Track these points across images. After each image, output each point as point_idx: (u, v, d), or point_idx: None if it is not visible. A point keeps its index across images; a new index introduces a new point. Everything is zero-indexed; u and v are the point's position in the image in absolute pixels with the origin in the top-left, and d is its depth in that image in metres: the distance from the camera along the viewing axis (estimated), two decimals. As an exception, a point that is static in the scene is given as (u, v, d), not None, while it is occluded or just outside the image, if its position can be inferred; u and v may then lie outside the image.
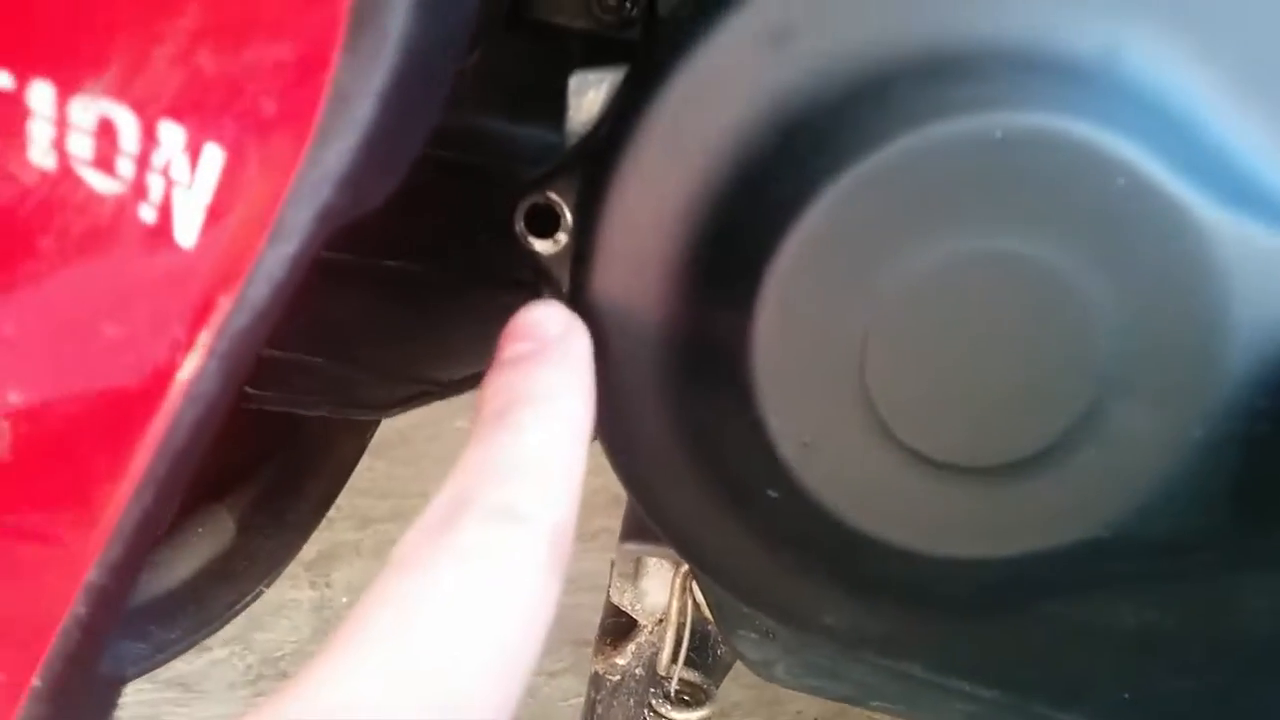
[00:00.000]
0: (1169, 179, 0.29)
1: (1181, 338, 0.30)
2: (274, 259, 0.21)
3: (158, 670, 1.12)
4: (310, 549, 1.23)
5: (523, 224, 0.37)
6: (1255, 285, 0.29)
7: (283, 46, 0.20)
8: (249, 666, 1.17)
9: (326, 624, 1.21)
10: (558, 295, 0.35)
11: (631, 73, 0.35)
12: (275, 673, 1.17)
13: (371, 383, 0.51)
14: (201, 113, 0.20)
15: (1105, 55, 0.29)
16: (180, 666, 1.15)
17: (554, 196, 0.36)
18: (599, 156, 0.33)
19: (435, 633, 0.24)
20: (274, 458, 0.67)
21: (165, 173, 0.20)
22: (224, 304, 0.21)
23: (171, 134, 0.20)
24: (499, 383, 0.29)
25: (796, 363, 0.31)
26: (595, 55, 0.40)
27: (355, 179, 0.21)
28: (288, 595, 1.22)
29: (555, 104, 0.40)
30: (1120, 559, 0.32)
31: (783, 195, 0.30)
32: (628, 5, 0.46)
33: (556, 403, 0.29)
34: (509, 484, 0.26)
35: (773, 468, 0.31)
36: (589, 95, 0.39)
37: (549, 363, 0.30)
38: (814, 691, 0.43)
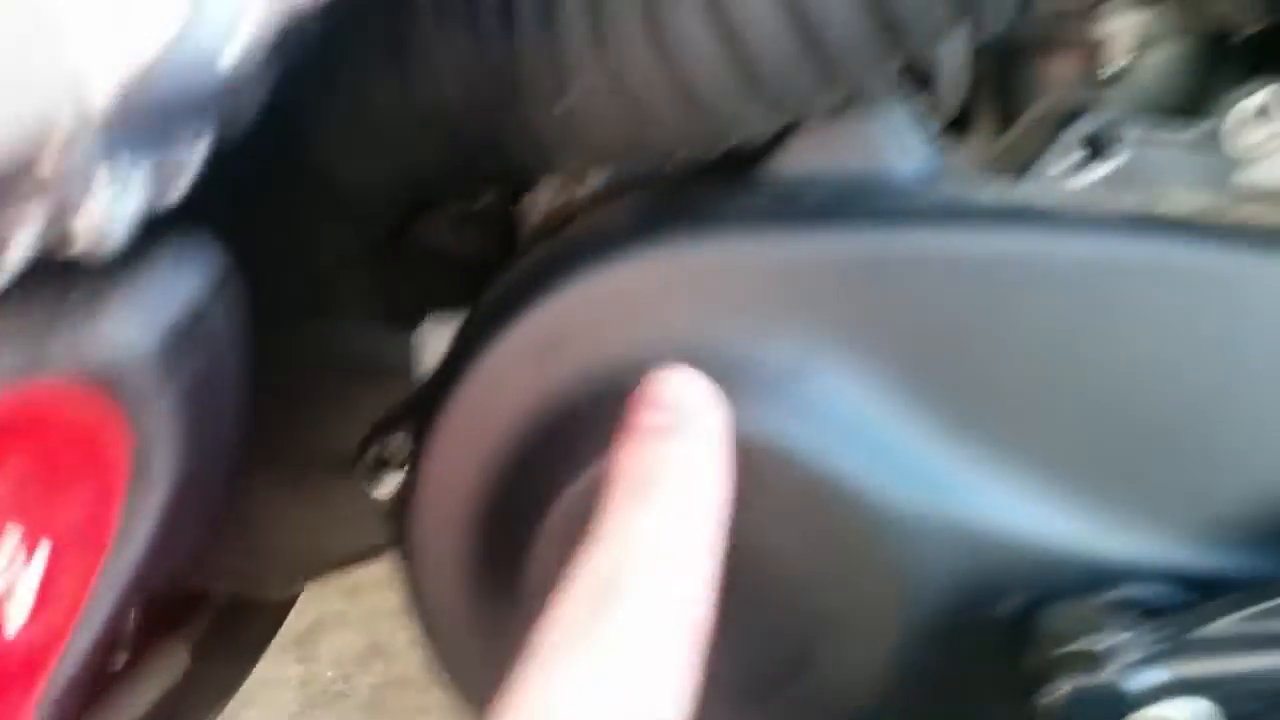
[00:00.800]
0: (847, 470, 0.36)
1: (866, 590, 0.37)
2: (83, 639, 0.28)
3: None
4: (298, 620, 1.28)
5: (364, 468, 0.44)
6: (920, 544, 0.36)
7: (86, 485, 0.27)
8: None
9: (313, 700, 1.26)
10: (394, 531, 0.42)
11: (452, 345, 0.42)
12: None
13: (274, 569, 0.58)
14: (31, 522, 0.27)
15: (796, 372, 0.36)
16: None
17: (391, 447, 0.43)
18: (425, 415, 0.40)
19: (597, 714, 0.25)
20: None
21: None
22: (40, 682, 0.28)
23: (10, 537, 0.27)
24: (638, 452, 0.30)
25: None
26: (471, 277, 0.47)
27: (143, 571, 0.29)
28: (274, 672, 1.27)
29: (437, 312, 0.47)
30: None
31: (552, 474, 0.37)
32: (471, 232, 0.54)
33: (698, 482, 0.30)
34: (658, 569, 0.27)
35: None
36: (431, 347, 0.47)
37: (690, 438, 0.31)
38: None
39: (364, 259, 0.53)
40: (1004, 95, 0.51)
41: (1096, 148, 0.38)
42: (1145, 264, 0.37)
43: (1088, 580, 0.38)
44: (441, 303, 0.50)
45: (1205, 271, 0.37)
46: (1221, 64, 0.50)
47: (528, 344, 0.37)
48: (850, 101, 0.36)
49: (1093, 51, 0.47)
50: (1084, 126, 0.38)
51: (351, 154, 0.44)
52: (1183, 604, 0.37)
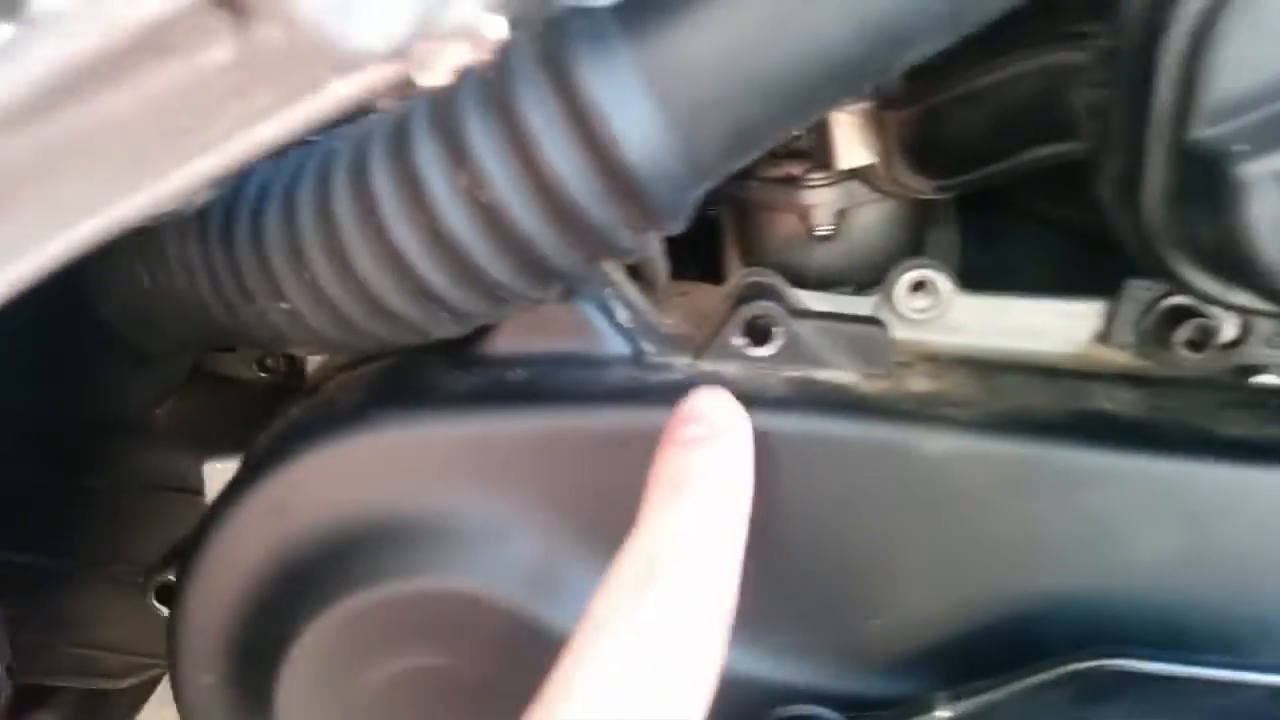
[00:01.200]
0: (539, 612, 0.42)
1: None
2: None
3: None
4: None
5: (152, 597, 0.50)
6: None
7: None
8: None
9: None
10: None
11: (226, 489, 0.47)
12: None
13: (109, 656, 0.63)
14: None
15: (494, 530, 0.42)
16: None
17: (174, 575, 0.49)
18: (186, 556, 0.45)
19: (637, 685, 0.30)
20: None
21: None
22: None
23: None
24: (676, 458, 0.35)
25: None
26: (272, 397, 0.53)
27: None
28: None
29: (241, 436, 0.52)
30: None
31: (291, 616, 0.43)
32: (281, 366, 0.59)
33: (728, 483, 0.35)
34: (691, 557, 0.33)
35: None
36: (215, 482, 0.52)
37: (721, 447, 0.36)
38: None
39: (172, 391, 0.58)
40: (743, 249, 0.57)
41: (757, 333, 0.45)
42: (795, 435, 0.43)
43: (756, 701, 0.44)
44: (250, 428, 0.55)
45: (849, 441, 0.43)
46: (930, 218, 0.56)
47: (262, 505, 0.43)
48: (557, 292, 0.42)
49: (806, 214, 0.53)
50: (745, 313, 0.45)
51: (133, 326, 0.50)
52: (830, 723, 0.43)
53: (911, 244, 0.56)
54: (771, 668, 0.44)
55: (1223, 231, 0.32)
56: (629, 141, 0.35)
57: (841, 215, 0.53)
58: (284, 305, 0.41)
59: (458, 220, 0.36)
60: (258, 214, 0.39)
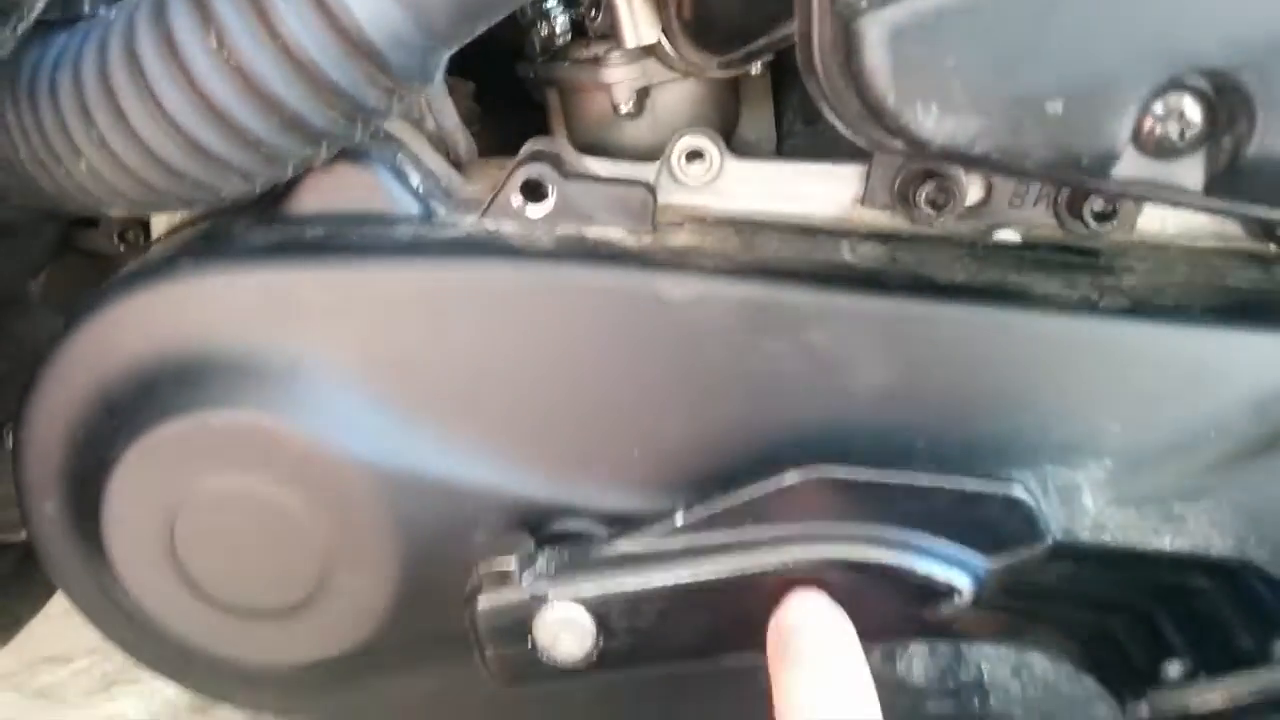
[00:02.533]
0: (316, 434, 0.47)
1: (364, 535, 0.48)
2: None
3: (25, 681, 1.30)
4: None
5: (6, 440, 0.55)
6: (401, 495, 0.48)
7: None
8: (104, 674, 1.35)
9: None
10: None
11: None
12: (129, 679, 1.35)
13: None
14: None
15: (288, 368, 0.47)
16: (45, 678, 1.33)
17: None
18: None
19: None
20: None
21: None
22: None
23: None
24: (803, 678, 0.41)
25: (131, 537, 0.49)
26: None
27: None
28: None
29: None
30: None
31: (110, 447, 0.49)
32: (140, 239, 0.64)
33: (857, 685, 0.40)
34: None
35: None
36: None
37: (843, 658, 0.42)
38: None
39: (43, 264, 0.64)
40: (568, 127, 0.62)
41: (533, 192, 0.50)
42: (558, 282, 0.48)
43: (536, 518, 0.49)
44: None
45: (604, 287, 0.48)
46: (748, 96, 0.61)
47: (84, 347, 0.48)
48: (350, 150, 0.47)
49: (610, 92, 0.58)
50: (521, 175, 0.49)
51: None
52: (591, 536, 0.49)
53: (723, 120, 0.60)
54: (551, 490, 0.50)
55: (853, 79, 0.36)
56: (359, 5, 0.39)
57: (645, 93, 0.58)
58: (83, 165, 0.45)
59: (213, 81, 0.40)
60: (55, 77, 0.44)
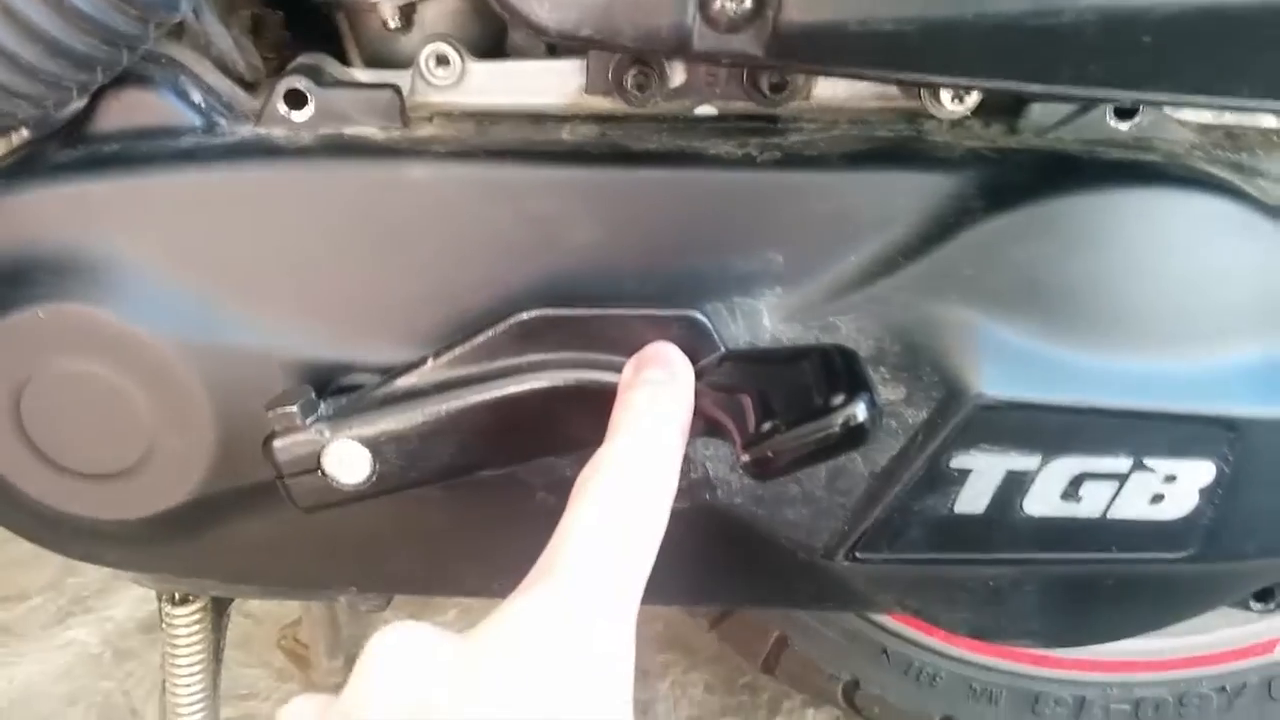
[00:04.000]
0: (124, 319, 0.57)
1: (183, 407, 0.58)
2: None
3: (-20, 617, 1.40)
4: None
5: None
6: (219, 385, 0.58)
7: None
8: (59, 608, 1.46)
9: None
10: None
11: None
12: (83, 610, 1.46)
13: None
14: None
15: (102, 265, 0.57)
16: (1, 615, 1.43)
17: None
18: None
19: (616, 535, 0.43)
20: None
21: None
22: None
23: None
24: (644, 392, 0.49)
25: None
26: None
27: None
28: None
29: None
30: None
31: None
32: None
33: (680, 417, 0.48)
34: (658, 454, 0.46)
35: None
36: None
37: (677, 388, 0.50)
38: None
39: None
40: (357, 45, 0.70)
41: (295, 100, 0.59)
42: (316, 174, 0.57)
43: (315, 376, 0.59)
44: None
45: (355, 175, 0.58)
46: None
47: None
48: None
49: (377, 10, 0.66)
50: (283, 86, 0.59)
51: None
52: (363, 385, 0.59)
53: (488, 29, 0.69)
54: (331, 351, 0.60)
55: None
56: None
57: (411, 9, 0.66)
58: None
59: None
60: None
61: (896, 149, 0.57)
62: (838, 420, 0.47)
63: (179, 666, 0.86)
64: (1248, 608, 0.73)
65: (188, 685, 0.87)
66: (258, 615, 1.34)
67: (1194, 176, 0.55)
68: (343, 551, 0.65)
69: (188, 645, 0.85)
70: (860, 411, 0.47)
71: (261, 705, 1.26)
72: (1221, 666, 0.95)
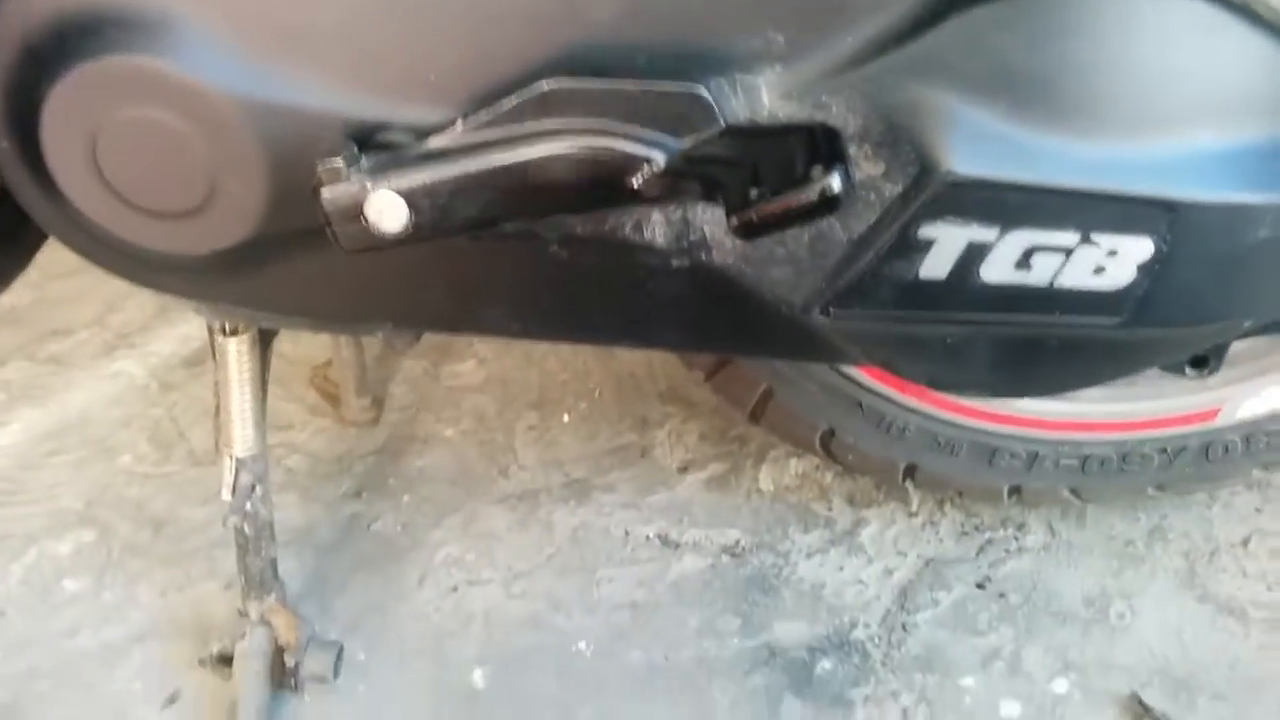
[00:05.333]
0: (200, 80, 0.63)
1: (238, 162, 0.65)
2: None
3: (34, 351, 1.52)
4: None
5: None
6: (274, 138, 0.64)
7: None
8: (105, 343, 1.57)
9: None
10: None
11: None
12: (127, 345, 1.57)
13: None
14: None
15: (167, 20, 0.63)
16: (52, 347, 1.55)
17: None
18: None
19: None
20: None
21: None
22: None
23: None
24: None
25: (66, 160, 0.66)
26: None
27: None
28: None
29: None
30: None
31: (40, 86, 0.65)
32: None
33: None
34: None
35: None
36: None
37: None
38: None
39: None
40: None
41: None
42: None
43: (358, 133, 0.66)
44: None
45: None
46: None
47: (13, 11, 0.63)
48: None
49: None
50: None
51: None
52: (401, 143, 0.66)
53: None
54: (372, 110, 0.66)
55: None
56: None
57: None
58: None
59: None
60: None
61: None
62: (815, 189, 0.54)
63: (232, 391, 0.97)
64: (1183, 373, 0.82)
65: (240, 407, 0.98)
66: (291, 357, 1.45)
67: (1165, -26, 0.60)
68: (383, 290, 0.74)
69: (239, 371, 0.96)
70: (835, 183, 0.54)
71: (298, 435, 1.39)
72: (1164, 430, 1.05)
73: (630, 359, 1.45)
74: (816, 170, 0.54)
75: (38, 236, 0.84)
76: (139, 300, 1.59)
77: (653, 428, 1.37)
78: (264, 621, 1.06)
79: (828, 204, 0.54)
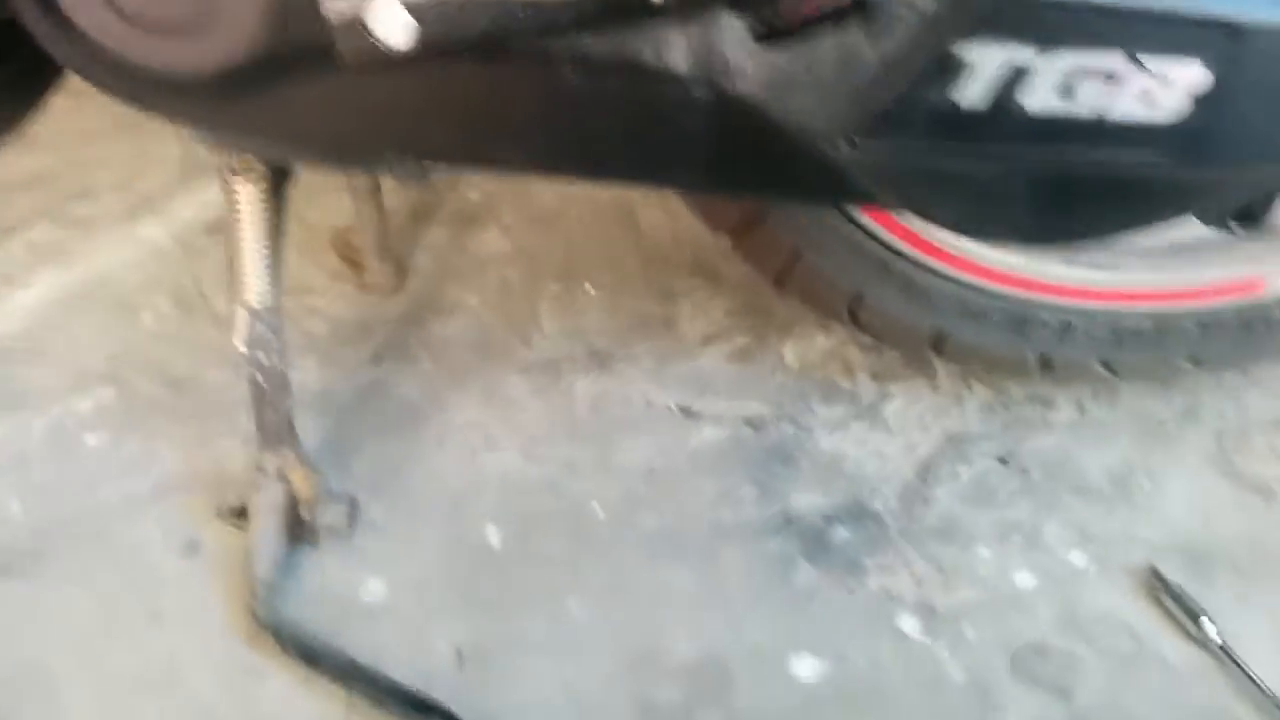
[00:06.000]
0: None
1: None
2: None
3: (58, 214, 1.51)
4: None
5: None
6: None
7: None
8: (129, 207, 1.56)
9: (197, 166, 1.56)
10: None
11: None
12: (150, 210, 1.56)
13: None
14: None
15: None
16: (76, 210, 1.54)
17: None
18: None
19: None
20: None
21: None
22: None
23: None
24: None
25: None
26: None
27: None
28: (156, 148, 1.57)
29: None
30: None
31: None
32: None
33: None
34: None
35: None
36: None
37: None
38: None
39: None
40: None
41: None
42: None
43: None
44: None
45: None
46: None
47: None
48: None
49: None
50: None
51: None
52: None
53: None
54: None
55: None
56: None
57: None
58: None
59: None
60: None
61: None
62: (846, -12, 0.50)
63: (245, 237, 0.95)
64: (1228, 229, 0.78)
65: (253, 254, 0.96)
66: (311, 222, 1.43)
67: None
68: (389, 119, 0.71)
69: (251, 216, 0.94)
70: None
71: (319, 300, 1.38)
72: (1204, 302, 1.01)
73: (657, 229, 1.42)
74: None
75: (53, 70, 0.82)
76: (163, 165, 1.58)
77: (678, 299, 1.34)
78: (280, 475, 1.06)
79: (857, 4, 0.50)
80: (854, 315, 1.07)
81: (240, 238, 0.95)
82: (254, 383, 1.02)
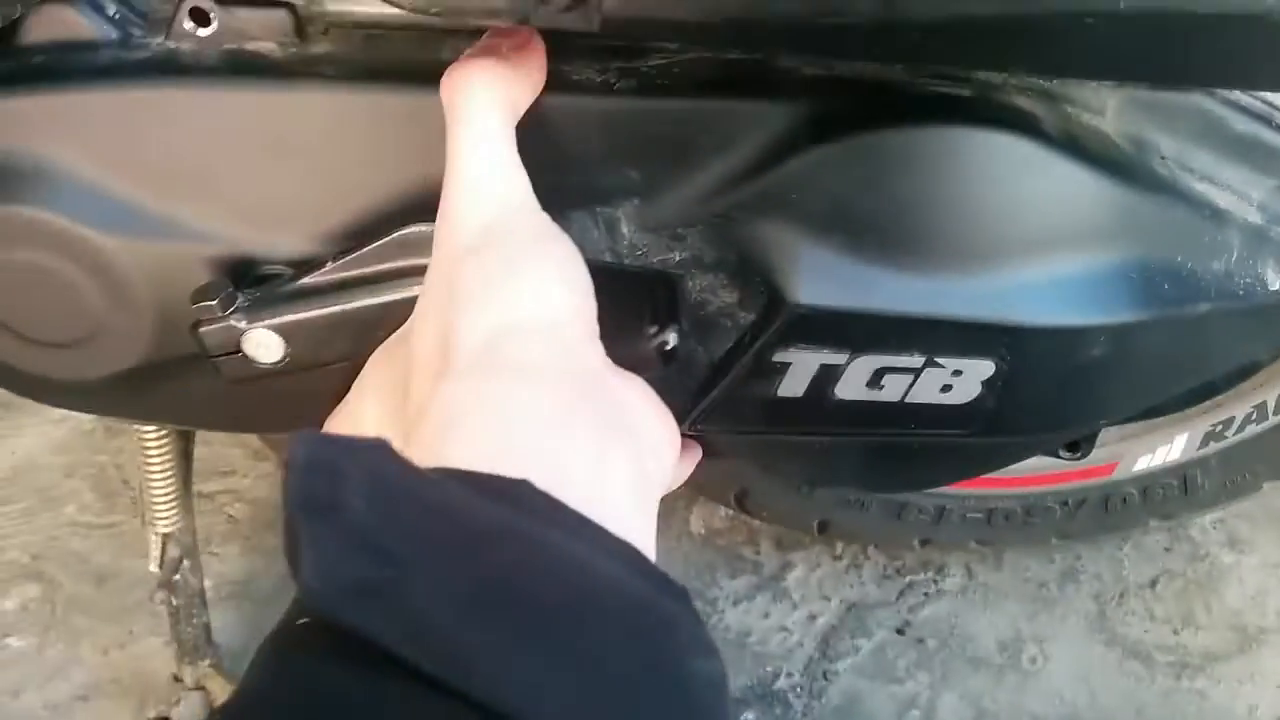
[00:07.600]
0: (76, 225, 0.65)
1: (124, 308, 0.68)
2: None
3: (-15, 397, 1.52)
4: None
5: None
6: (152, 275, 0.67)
7: None
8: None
9: None
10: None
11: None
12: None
13: None
14: None
15: (40, 170, 0.65)
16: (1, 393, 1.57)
17: None
18: None
19: None
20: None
21: None
22: None
23: None
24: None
25: None
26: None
27: None
28: None
29: None
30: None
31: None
32: None
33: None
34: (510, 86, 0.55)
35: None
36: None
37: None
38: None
39: None
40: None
41: (199, 18, 0.65)
42: (218, 90, 0.64)
43: (235, 266, 0.68)
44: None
45: (259, 95, 0.65)
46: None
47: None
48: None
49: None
50: (188, 4, 0.64)
51: None
52: (278, 275, 0.68)
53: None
54: (248, 245, 0.68)
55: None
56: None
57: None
58: None
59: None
60: None
61: (741, 78, 0.64)
62: (652, 344, 0.57)
63: (153, 470, 1.00)
64: (1057, 456, 0.85)
65: (163, 484, 1.01)
66: (234, 403, 1.47)
67: (993, 114, 0.62)
68: (274, 405, 0.76)
69: (159, 452, 0.98)
70: (670, 339, 0.56)
71: (240, 481, 1.42)
72: (1065, 484, 1.09)
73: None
74: (653, 328, 0.57)
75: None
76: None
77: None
78: (199, 686, 1.09)
79: (664, 358, 0.57)
80: (740, 503, 1.13)
81: (150, 470, 0.99)
82: (168, 603, 1.05)
